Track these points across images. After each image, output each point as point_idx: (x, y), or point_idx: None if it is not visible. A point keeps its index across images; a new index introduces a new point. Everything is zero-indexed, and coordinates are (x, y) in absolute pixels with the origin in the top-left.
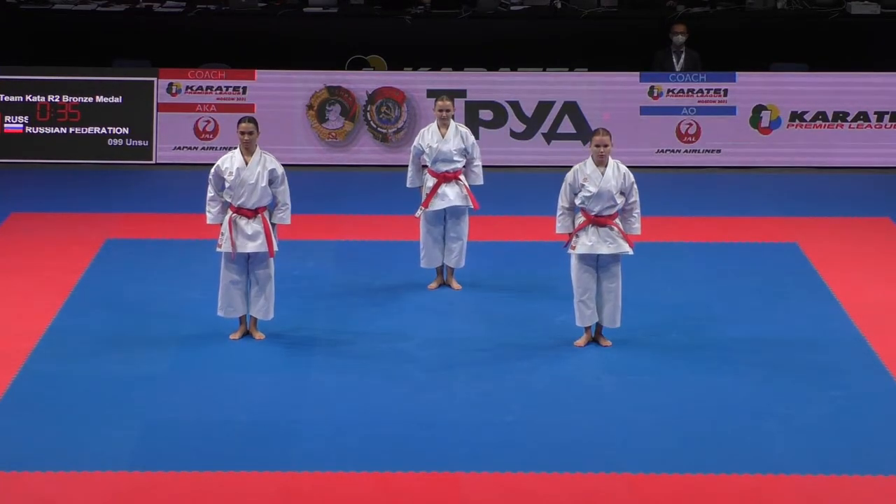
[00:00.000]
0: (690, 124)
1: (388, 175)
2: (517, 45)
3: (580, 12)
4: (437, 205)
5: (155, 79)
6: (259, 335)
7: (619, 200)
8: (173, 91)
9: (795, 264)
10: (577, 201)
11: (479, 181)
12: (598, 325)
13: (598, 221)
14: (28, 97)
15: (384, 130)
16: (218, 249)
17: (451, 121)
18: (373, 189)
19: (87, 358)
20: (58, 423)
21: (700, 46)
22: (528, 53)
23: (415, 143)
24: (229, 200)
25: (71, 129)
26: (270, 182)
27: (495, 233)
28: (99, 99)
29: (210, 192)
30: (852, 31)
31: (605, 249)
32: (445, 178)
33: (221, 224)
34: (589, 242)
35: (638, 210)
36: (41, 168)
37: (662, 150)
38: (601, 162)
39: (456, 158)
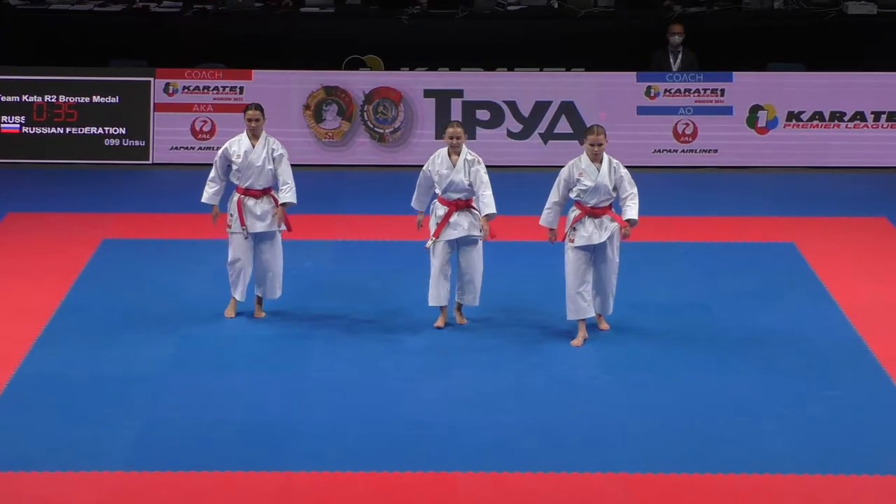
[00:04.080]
0: (687, 124)
1: (385, 175)
2: (514, 45)
3: (577, 12)
4: (450, 235)
5: (152, 79)
6: (261, 313)
7: (613, 194)
8: (170, 91)
9: (792, 264)
10: (573, 195)
11: (492, 209)
12: (598, 316)
13: (594, 213)
14: (25, 97)
15: (381, 130)
16: (228, 230)
17: (463, 147)
18: (369, 189)
19: (84, 358)
20: (55, 423)
21: (697, 46)
22: (524, 53)
23: (424, 169)
24: (236, 182)
25: (68, 130)
26: (273, 162)
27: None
28: (96, 99)
29: (212, 174)
30: (849, 31)
31: (601, 238)
32: (458, 205)
33: (215, 205)
34: (586, 234)
35: (636, 200)
36: (38, 168)
37: (659, 150)
38: (596, 158)
39: (468, 187)
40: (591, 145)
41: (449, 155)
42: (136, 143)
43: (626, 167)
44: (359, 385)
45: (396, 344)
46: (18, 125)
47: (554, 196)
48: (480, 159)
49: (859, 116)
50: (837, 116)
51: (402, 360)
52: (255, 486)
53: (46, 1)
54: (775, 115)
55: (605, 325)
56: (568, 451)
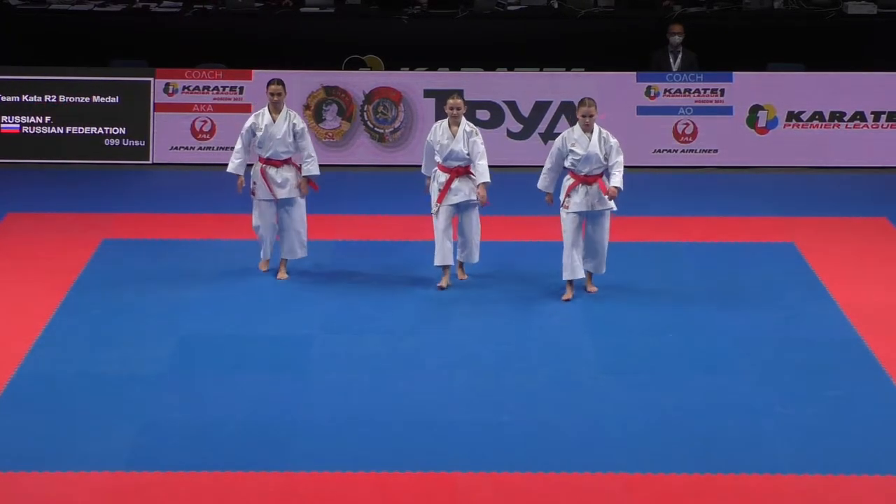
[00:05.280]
0: (687, 124)
1: (385, 175)
2: (514, 45)
3: (577, 12)
4: (451, 199)
5: (152, 79)
6: (284, 275)
7: (605, 162)
8: (170, 91)
9: (792, 264)
10: (567, 164)
11: (486, 178)
12: (588, 273)
13: (587, 181)
14: (25, 97)
15: (381, 130)
16: (252, 196)
17: (462, 119)
18: (370, 189)
19: (84, 358)
20: (54, 424)
21: (697, 46)
22: (524, 53)
23: (428, 139)
24: (259, 153)
25: (68, 129)
26: (294, 136)
27: (493, 233)
28: (96, 99)
29: (237, 146)
30: (849, 31)
31: (593, 207)
32: (458, 172)
33: (240, 175)
34: (579, 200)
35: (621, 168)
36: (38, 168)
37: (659, 151)
38: (587, 128)
39: (467, 156)
40: (583, 116)
41: (449, 126)
42: (136, 143)
43: (626, 167)
44: (358, 385)
45: (396, 344)
46: (18, 125)
47: (547, 164)
48: (478, 130)
49: (859, 116)
50: (837, 116)
51: (401, 359)
52: (255, 486)
53: (46, 1)
54: (775, 115)
55: (593, 288)
56: (568, 450)
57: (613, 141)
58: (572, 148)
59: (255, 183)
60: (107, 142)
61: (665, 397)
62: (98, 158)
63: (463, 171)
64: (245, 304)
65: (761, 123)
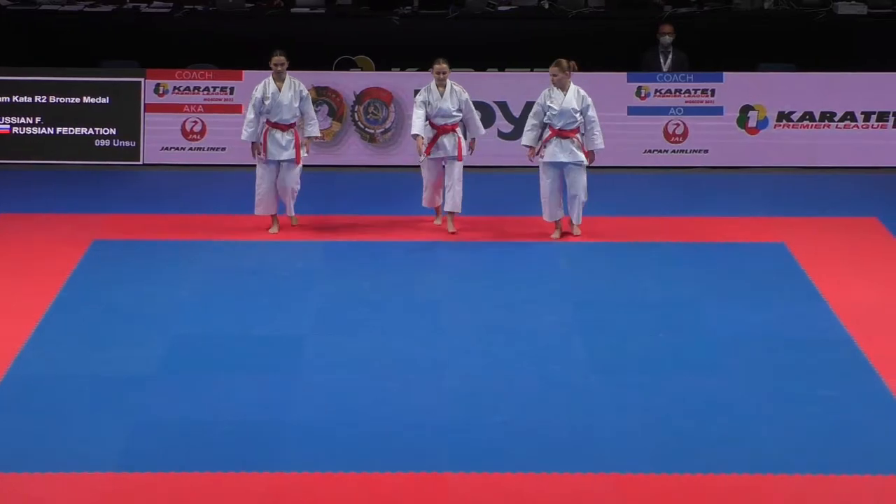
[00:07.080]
0: (678, 124)
1: (376, 175)
2: (505, 46)
3: (568, 12)
4: (435, 153)
5: (142, 79)
6: (276, 229)
7: (579, 118)
8: (160, 91)
9: (783, 264)
10: (545, 119)
11: (481, 132)
12: (570, 221)
13: (562, 134)
14: (15, 98)
15: (371, 131)
16: (257, 157)
17: (448, 81)
18: (360, 189)
19: (75, 359)
20: (46, 425)
21: (687, 47)
22: (515, 53)
23: (420, 99)
24: (267, 117)
25: (58, 130)
26: (300, 101)
27: (484, 234)
28: (86, 99)
29: (250, 115)
30: (839, 32)
31: (564, 158)
32: (444, 129)
33: (256, 141)
34: (552, 151)
35: (598, 129)
36: (28, 169)
37: (650, 151)
38: (562, 87)
39: (454, 113)
40: (552, 76)
41: (437, 87)
42: (127, 143)
43: (617, 167)
44: (349, 386)
45: (388, 345)
46: (9, 126)
47: (532, 120)
48: (465, 88)
49: (849, 116)
50: (828, 116)
51: (393, 360)
52: (247, 487)
53: (36, 1)
54: (766, 116)
55: (577, 232)
56: (559, 451)
57: (590, 100)
58: (550, 104)
59: (259, 144)
60: (97, 142)
61: (656, 397)
62: (89, 159)
63: (449, 128)
64: (236, 304)
65: (752, 124)
